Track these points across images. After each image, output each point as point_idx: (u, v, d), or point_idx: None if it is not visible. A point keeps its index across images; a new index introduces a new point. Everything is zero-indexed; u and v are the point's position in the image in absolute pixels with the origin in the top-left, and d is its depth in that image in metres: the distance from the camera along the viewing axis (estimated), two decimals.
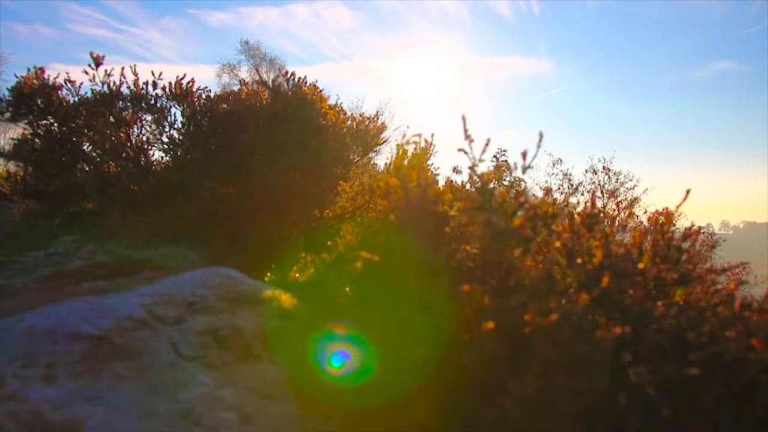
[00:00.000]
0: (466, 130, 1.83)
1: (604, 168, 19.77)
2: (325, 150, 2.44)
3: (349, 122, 2.94)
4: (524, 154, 1.68)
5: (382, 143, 3.03)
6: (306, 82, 2.85)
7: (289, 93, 2.51)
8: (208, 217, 2.52)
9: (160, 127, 2.66)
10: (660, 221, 1.74)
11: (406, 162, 2.02)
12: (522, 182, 14.11)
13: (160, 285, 1.67)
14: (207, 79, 20.94)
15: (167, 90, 2.73)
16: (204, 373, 1.31)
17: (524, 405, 1.08)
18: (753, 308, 1.61)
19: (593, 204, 1.68)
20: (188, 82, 2.74)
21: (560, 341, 1.19)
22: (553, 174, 20.47)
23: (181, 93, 2.71)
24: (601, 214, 1.71)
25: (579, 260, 1.51)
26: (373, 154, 3.03)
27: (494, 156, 13.73)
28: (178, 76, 2.81)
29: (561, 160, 20.50)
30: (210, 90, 2.84)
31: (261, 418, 1.19)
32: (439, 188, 1.58)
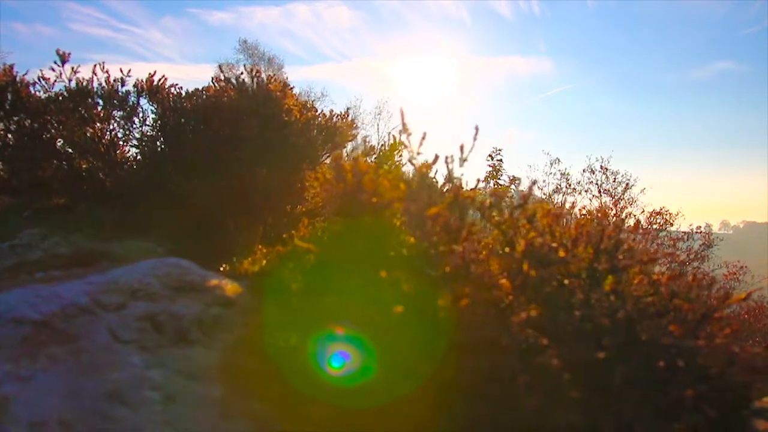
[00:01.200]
0: (404, 124, 1.88)
1: (601, 167, 19.73)
2: (289, 145, 2.49)
3: (319, 119, 3.00)
4: (461, 148, 1.73)
5: (351, 139, 3.08)
6: (275, 80, 2.90)
7: (253, 89, 2.56)
8: (175, 212, 2.58)
9: (129, 123, 2.72)
10: (599, 214, 1.77)
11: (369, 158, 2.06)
12: (518, 180, 14.09)
13: (110, 274, 1.73)
14: (207, 78, 21.06)
15: (138, 87, 2.79)
16: (137, 355, 1.36)
17: (440, 386, 1.12)
18: (681, 297, 1.65)
19: (528, 194, 1.72)
20: (159, 79, 2.81)
21: (472, 325, 1.23)
22: (550, 174, 20.41)
23: (152, 90, 2.77)
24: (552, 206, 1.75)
25: (507, 249, 1.56)
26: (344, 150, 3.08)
27: (489, 155, 13.70)
28: (150, 73, 2.87)
29: (559, 160, 20.45)
30: (182, 87, 2.90)
31: (184, 397, 1.24)
32: (374, 178, 1.63)
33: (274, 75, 2.91)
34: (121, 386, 1.24)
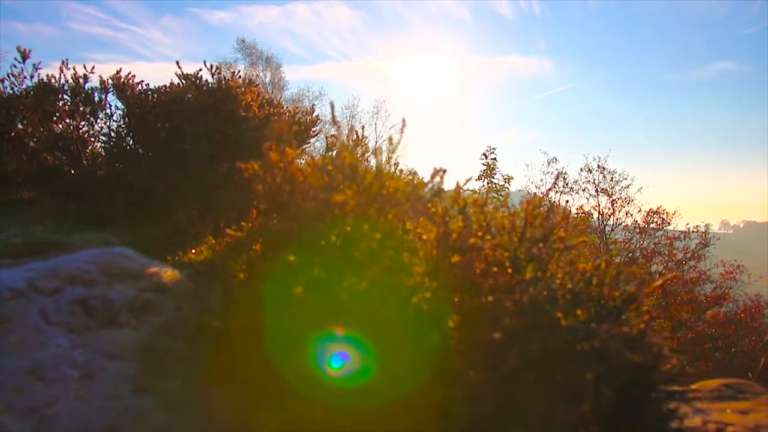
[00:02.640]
0: (334, 117, 1.94)
1: (598, 167, 19.72)
2: (247, 140, 2.55)
3: (284, 115, 3.06)
4: (391, 138, 1.80)
5: (315, 135, 3.15)
6: (237, 77, 2.98)
7: (212, 86, 2.63)
8: (137, 205, 2.65)
9: (93, 119, 2.80)
10: (529, 206, 1.83)
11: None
12: (511, 179, 14.10)
13: (52, 261, 1.80)
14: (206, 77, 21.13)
15: (105, 83, 2.87)
16: (64, 336, 1.43)
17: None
18: (593, 283, 1.72)
19: (458, 187, 1.78)
20: (126, 75, 2.88)
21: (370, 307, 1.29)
22: (548, 173, 20.42)
23: (119, 86, 2.84)
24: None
25: (425, 236, 1.62)
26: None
27: (483, 154, 13.71)
28: (118, 70, 2.95)
29: (556, 159, 20.45)
30: (148, 84, 2.97)
31: (101, 374, 1.31)
32: (302, 168, 1.69)
33: (236, 72, 2.98)
34: (43, 364, 1.31)
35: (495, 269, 1.65)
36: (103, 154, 2.81)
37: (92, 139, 3.01)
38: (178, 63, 2.69)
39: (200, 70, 2.69)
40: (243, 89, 2.70)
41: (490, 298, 1.53)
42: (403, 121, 1.81)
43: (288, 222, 1.68)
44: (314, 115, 3.14)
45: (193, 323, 1.53)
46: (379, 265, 1.37)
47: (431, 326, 1.32)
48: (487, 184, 14.10)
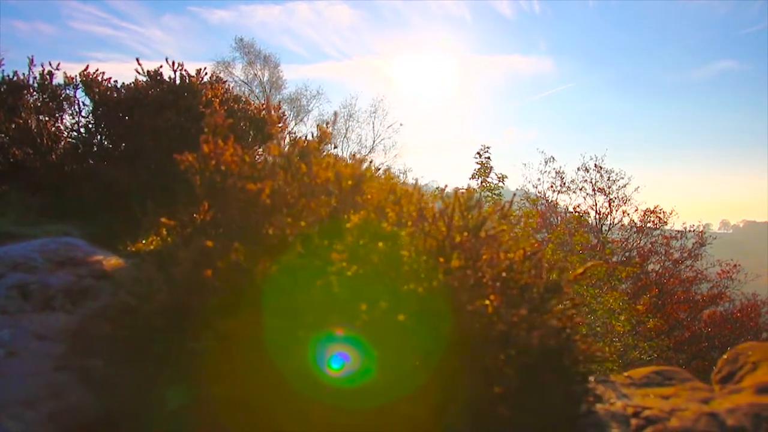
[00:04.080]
0: (330, 124, 1.99)
1: (596, 166, 19.71)
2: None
3: (250, 112, 3.13)
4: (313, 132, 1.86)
5: (280, 131, 3.21)
6: (204, 74, 3.04)
7: (172, 82, 2.70)
8: (101, 198, 2.73)
9: (59, 114, 2.87)
10: (458, 197, 1.89)
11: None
12: (505, 178, 14.12)
13: (1, 249, 1.87)
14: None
15: (73, 80, 2.94)
16: None
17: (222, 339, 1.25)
18: (516, 270, 1.78)
19: (389, 177, 1.84)
20: (94, 72, 2.96)
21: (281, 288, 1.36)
22: (545, 172, 20.42)
23: (86, 83, 2.92)
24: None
25: (349, 225, 1.68)
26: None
27: (477, 153, 13.74)
28: (87, 65, 3.03)
29: (553, 158, 20.46)
30: (117, 81, 3.05)
31: (26, 353, 1.38)
32: (237, 160, 1.75)
33: (201, 69, 3.05)
34: None
35: (424, 258, 1.71)
36: (69, 148, 2.89)
37: (65, 135, 3.09)
38: (138, 60, 2.77)
39: (161, 66, 2.77)
40: (209, 86, 2.78)
41: (412, 286, 1.59)
42: (336, 114, 1.87)
43: (227, 212, 1.74)
44: (280, 111, 3.21)
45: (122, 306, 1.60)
46: (293, 251, 1.43)
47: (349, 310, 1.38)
48: (481, 183, 14.14)
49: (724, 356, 2.17)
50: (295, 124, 20.11)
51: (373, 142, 21.66)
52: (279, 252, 1.43)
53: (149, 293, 1.42)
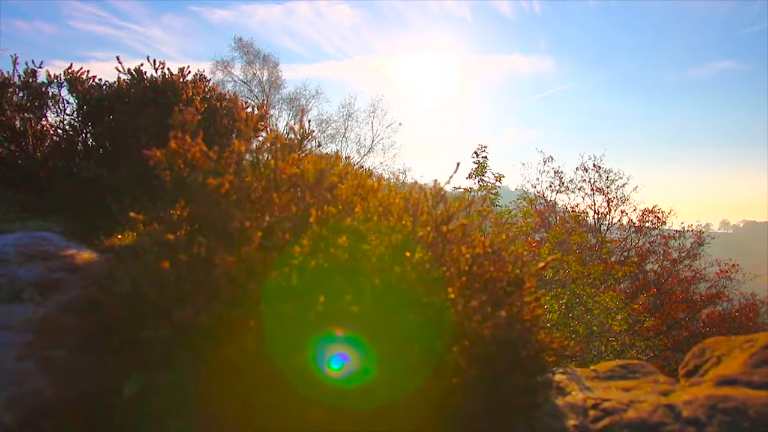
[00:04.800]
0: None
1: (594, 165, 19.71)
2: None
3: (235, 110, 3.17)
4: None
5: (262, 129, 3.25)
6: (186, 72, 3.08)
7: (153, 80, 2.74)
8: (83, 195, 2.76)
9: (43, 112, 2.92)
10: (420, 194, 1.92)
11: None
12: (502, 177, 14.13)
13: None
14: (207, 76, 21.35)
15: (57, 78, 2.99)
16: None
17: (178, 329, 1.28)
18: (479, 264, 1.81)
19: (348, 166, 1.87)
20: (78, 70, 3.00)
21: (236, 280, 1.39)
22: (544, 171, 20.42)
23: (71, 81, 2.96)
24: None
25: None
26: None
27: (474, 152, 13.76)
28: (71, 64, 3.07)
29: (552, 158, 20.44)
30: (102, 79, 3.09)
31: None
32: (207, 157, 1.78)
33: (185, 67, 3.09)
34: None
35: (390, 251, 1.74)
36: (55, 146, 2.93)
37: (51, 133, 3.13)
38: (118, 58, 2.80)
39: (142, 64, 2.80)
40: (191, 84, 2.81)
41: (372, 279, 1.63)
42: (267, 106, 1.90)
43: (194, 207, 1.78)
44: (263, 109, 3.24)
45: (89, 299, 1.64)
46: (250, 242, 1.46)
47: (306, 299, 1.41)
48: (478, 182, 14.15)
49: (692, 350, 2.20)
50: (294, 124, 20.08)
51: (372, 141, 21.71)
52: (240, 245, 1.46)
53: (113, 285, 1.46)
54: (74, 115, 3.00)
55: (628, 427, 1.56)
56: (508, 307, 1.67)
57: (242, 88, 20.88)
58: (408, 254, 1.72)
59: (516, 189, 20.16)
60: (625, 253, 18.10)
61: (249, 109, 3.17)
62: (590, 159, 18.72)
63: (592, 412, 1.67)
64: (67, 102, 2.98)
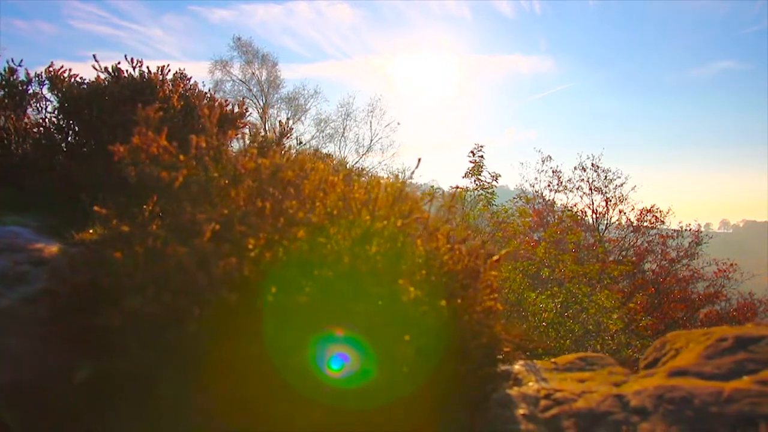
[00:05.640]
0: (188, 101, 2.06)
1: (592, 165, 19.68)
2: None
3: (215, 109, 3.22)
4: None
5: (241, 127, 3.29)
6: (167, 70, 3.13)
7: (131, 78, 2.78)
8: (62, 191, 2.81)
9: (21, 111, 2.96)
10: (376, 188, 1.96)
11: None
12: (498, 177, 14.12)
13: None
14: (206, 76, 21.42)
15: (37, 77, 3.04)
16: None
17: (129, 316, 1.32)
18: (437, 257, 1.84)
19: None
20: (57, 69, 3.04)
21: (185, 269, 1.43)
22: (542, 171, 20.41)
23: (51, 79, 3.01)
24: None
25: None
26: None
27: (470, 152, 13.78)
28: (52, 62, 3.12)
29: (550, 157, 20.42)
30: (82, 78, 3.13)
31: None
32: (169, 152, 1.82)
33: (164, 65, 3.13)
34: None
35: (347, 244, 1.78)
36: (35, 143, 2.98)
37: (33, 131, 3.18)
38: (95, 56, 2.85)
39: (119, 63, 2.85)
40: (170, 82, 2.86)
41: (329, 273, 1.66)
42: (232, 101, 1.94)
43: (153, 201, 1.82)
44: (244, 108, 3.28)
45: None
46: (202, 234, 1.50)
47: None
48: (475, 181, 14.15)
49: (653, 344, 2.23)
50: (293, 123, 20.19)
51: (371, 141, 21.74)
52: (192, 237, 1.50)
53: (71, 276, 1.50)
54: (55, 113, 3.04)
55: (575, 416, 1.60)
56: (462, 299, 1.71)
57: (241, 88, 20.97)
58: (368, 247, 1.75)
59: (515, 188, 20.16)
60: (624, 253, 18.08)
61: (236, 108, 3.21)
62: (588, 158, 18.71)
63: (543, 402, 1.70)
64: (48, 100, 3.04)
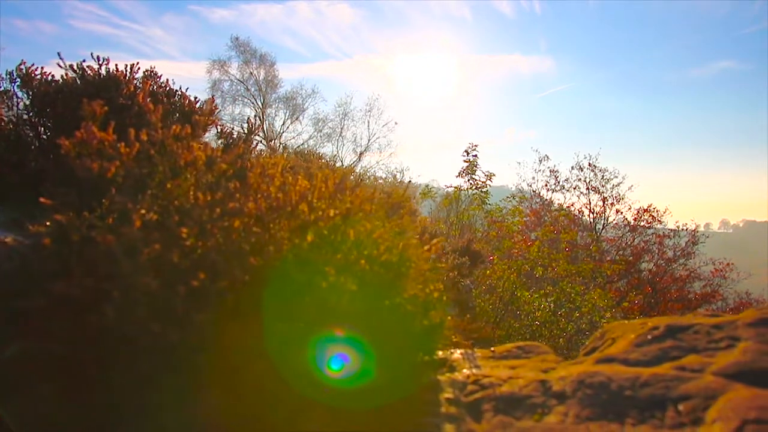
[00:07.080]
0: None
1: (589, 164, 19.67)
2: (125, 127, 2.76)
3: (179, 105, 3.29)
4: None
5: (211, 124, 3.35)
6: (136, 68, 3.20)
7: (97, 75, 2.85)
8: (30, 186, 2.89)
9: None
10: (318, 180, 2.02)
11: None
12: (493, 176, 14.14)
13: None
14: (206, 75, 21.52)
15: (11, 75, 3.12)
16: None
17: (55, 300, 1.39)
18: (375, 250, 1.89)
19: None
20: (28, 67, 3.12)
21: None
22: (540, 170, 20.40)
23: (22, 77, 3.08)
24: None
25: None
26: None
27: (465, 151, 13.84)
28: (23, 60, 3.21)
29: (547, 157, 20.42)
30: (52, 75, 3.21)
31: None
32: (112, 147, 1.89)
33: (135, 63, 3.20)
34: None
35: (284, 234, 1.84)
36: (3, 140, 3.05)
37: (7, 128, 3.25)
38: (59, 54, 2.92)
39: (84, 60, 2.93)
40: (138, 80, 2.92)
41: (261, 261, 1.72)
42: (213, 98, 2.00)
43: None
44: (213, 106, 3.34)
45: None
46: (131, 223, 1.56)
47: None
48: (469, 181, 14.18)
49: (595, 334, 2.28)
50: (291, 123, 20.31)
51: (369, 140, 21.79)
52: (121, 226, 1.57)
53: (4, 262, 1.57)
54: (26, 110, 3.11)
55: (496, 400, 1.65)
56: (395, 288, 1.77)
57: (239, 88, 21.05)
58: (309, 238, 1.81)
59: (515, 188, 20.14)
60: (620, 252, 18.05)
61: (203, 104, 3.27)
62: (585, 158, 18.71)
63: (470, 387, 1.75)
64: (20, 98, 3.11)
